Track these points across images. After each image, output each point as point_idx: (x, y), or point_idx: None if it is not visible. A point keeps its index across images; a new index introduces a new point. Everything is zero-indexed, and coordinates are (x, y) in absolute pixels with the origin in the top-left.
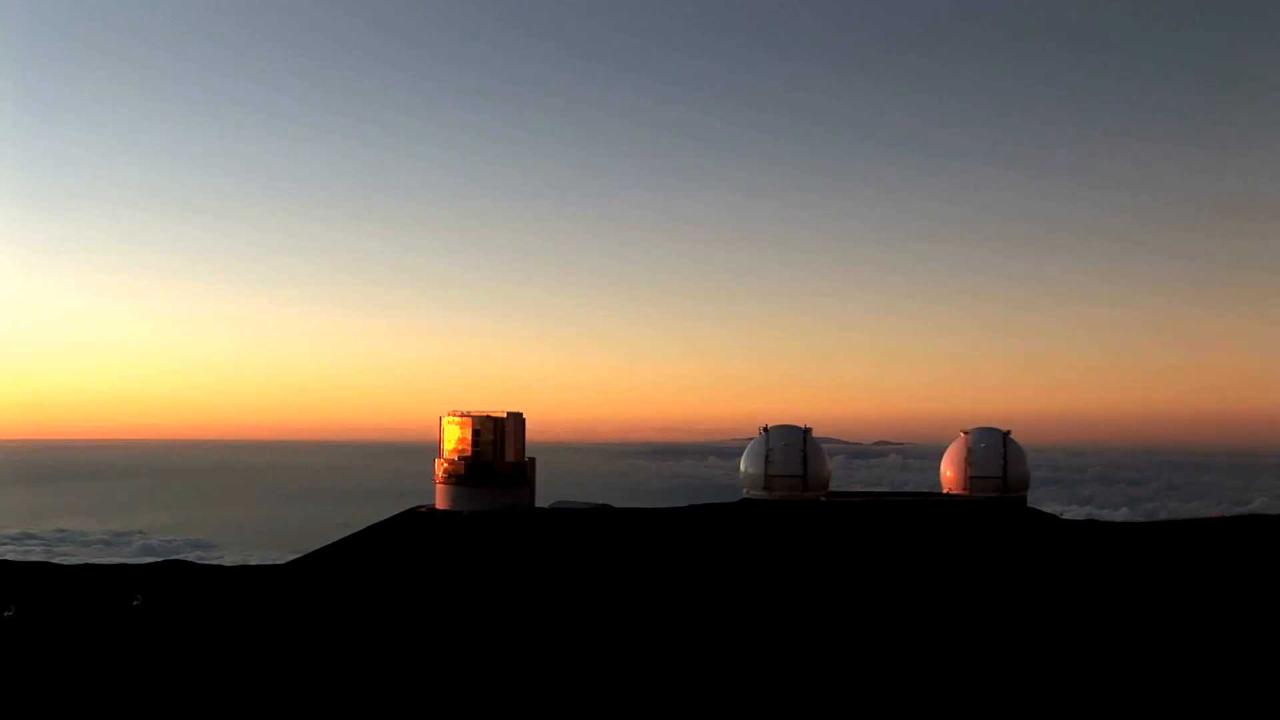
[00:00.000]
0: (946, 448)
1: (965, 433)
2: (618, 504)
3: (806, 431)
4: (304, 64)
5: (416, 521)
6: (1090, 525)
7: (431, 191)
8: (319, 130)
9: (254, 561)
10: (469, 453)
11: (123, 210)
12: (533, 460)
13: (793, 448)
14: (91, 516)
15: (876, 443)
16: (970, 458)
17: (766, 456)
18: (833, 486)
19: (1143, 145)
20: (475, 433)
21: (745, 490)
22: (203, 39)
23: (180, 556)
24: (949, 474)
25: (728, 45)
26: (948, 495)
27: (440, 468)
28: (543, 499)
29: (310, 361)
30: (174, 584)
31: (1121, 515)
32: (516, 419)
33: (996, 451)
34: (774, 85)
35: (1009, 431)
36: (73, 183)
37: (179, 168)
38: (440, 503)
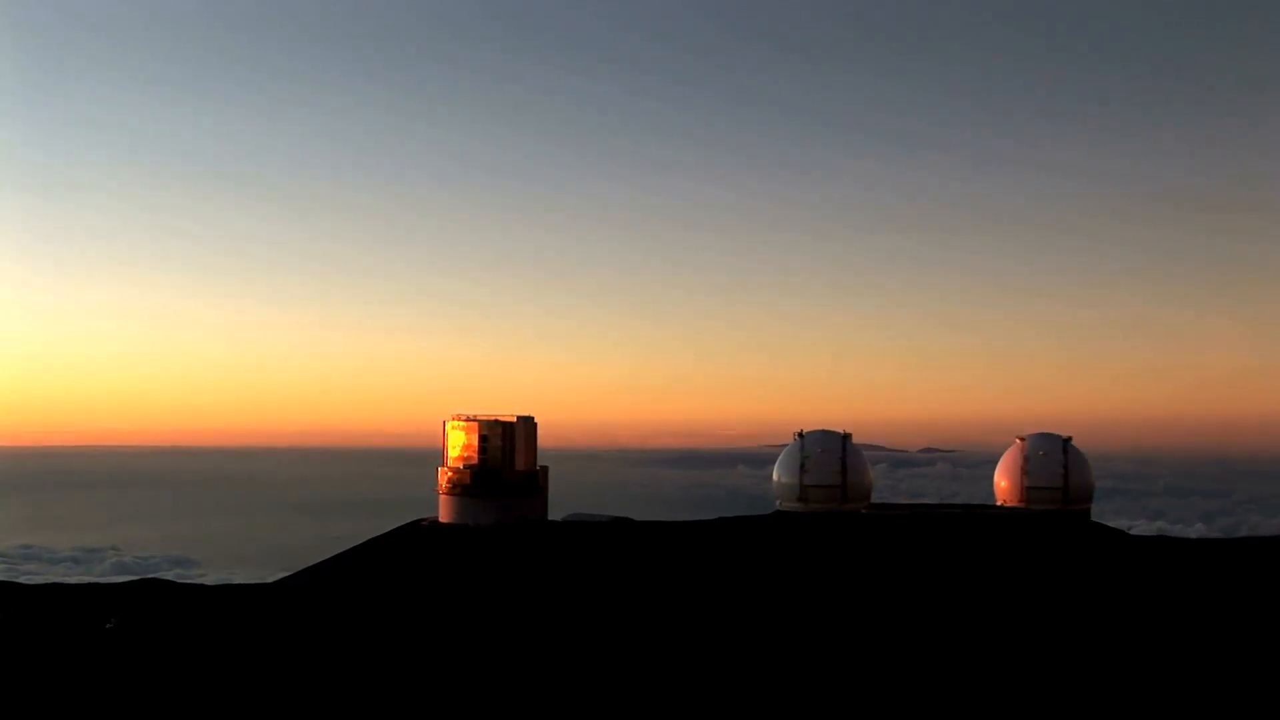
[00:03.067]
0: (1000, 455)
1: (1021, 439)
2: (638, 516)
3: (846, 437)
4: (308, 60)
5: (418, 536)
6: (1161, 542)
7: (431, 180)
8: (317, 125)
9: (239, 580)
10: (475, 460)
11: (104, 206)
12: (545, 469)
13: (831, 455)
14: (60, 530)
15: (923, 450)
16: (1027, 466)
17: (802, 465)
18: (875, 498)
19: (1197, 140)
20: (482, 438)
21: (778, 502)
22: (208, 28)
23: (158, 575)
24: (1004, 484)
25: (761, 45)
26: (1002, 508)
27: (444, 477)
28: (556, 511)
29: (301, 361)
30: (151, 605)
31: (1196, 531)
32: (527, 423)
33: (1056, 459)
34: (786, 81)
35: (1070, 438)
36: (58, 179)
37: (165, 161)
38: (444, 515)
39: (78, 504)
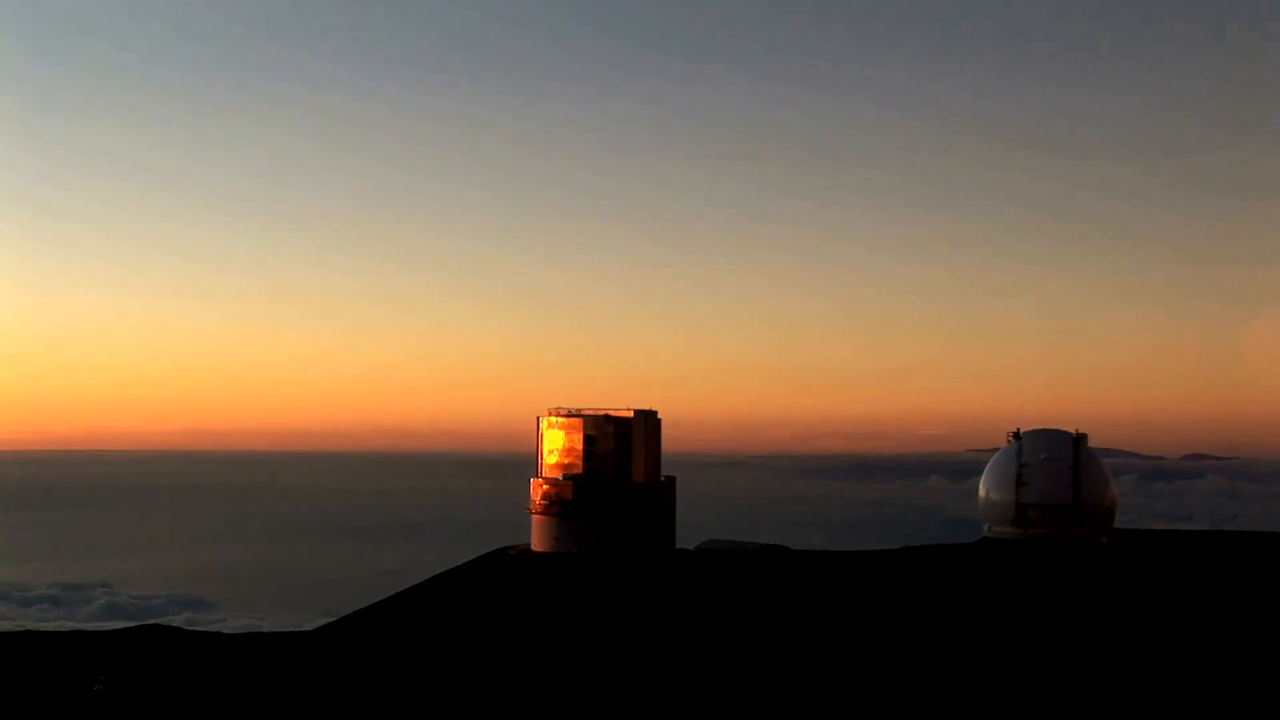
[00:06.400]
0: None
1: None
2: (796, 545)
3: (1079, 439)
4: (382, 42)
5: (505, 568)
6: None
7: (526, 128)
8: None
9: (268, 627)
10: (579, 468)
11: (106, 182)
12: (671, 480)
13: (1058, 463)
14: (34, 561)
15: (1188, 456)
16: None
17: (1019, 476)
18: (1120, 521)
19: None
20: (588, 439)
21: (987, 526)
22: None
23: (162, 620)
24: None
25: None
26: None
27: (537, 490)
28: (686, 537)
29: (344, 344)
30: (153, 660)
31: None
32: (648, 420)
33: None
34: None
35: None
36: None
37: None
38: (538, 541)
39: (58, 525)
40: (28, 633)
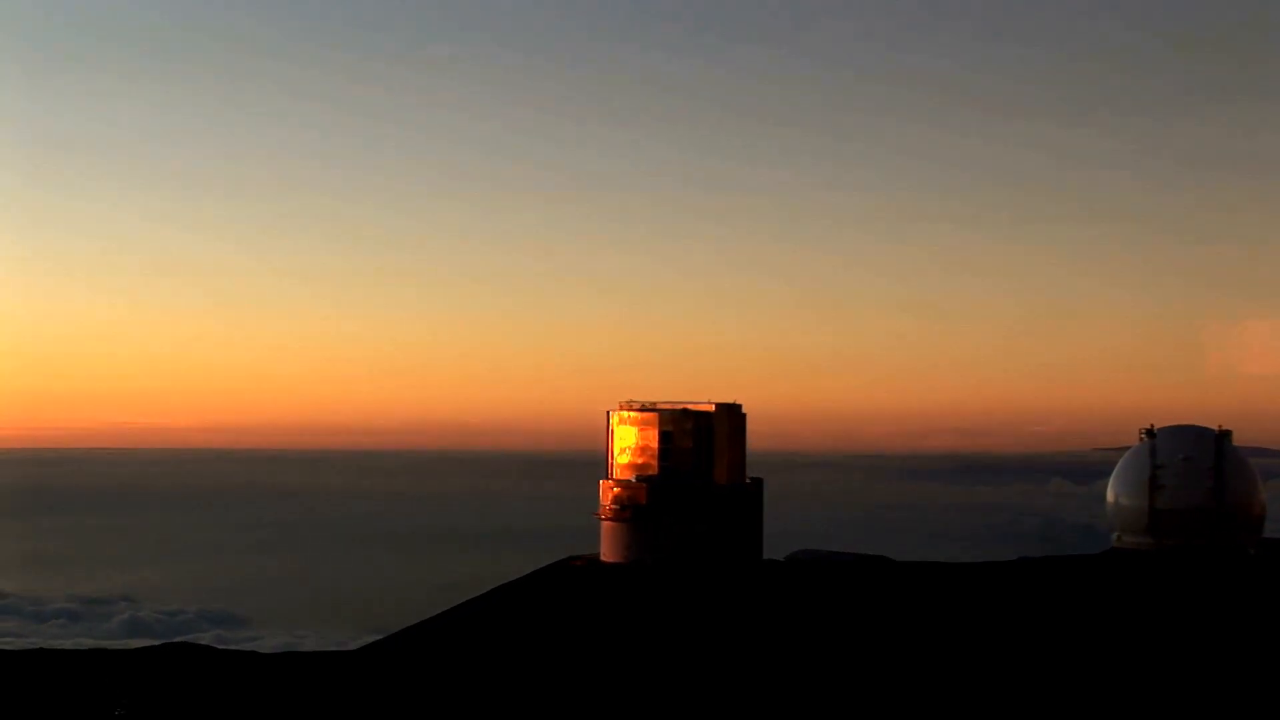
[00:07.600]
0: None
1: None
2: (897, 555)
3: (1222, 436)
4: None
5: (570, 580)
6: None
7: (590, 111)
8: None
9: (308, 646)
10: (654, 468)
11: (119, 166)
12: (758, 481)
13: (1198, 464)
14: (50, 571)
15: None
16: None
17: (1153, 477)
18: (1269, 530)
19: None
20: (664, 435)
21: (1116, 535)
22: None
23: (191, 637)
24: None
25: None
26: None
27: (607, 493)
28: (775, 546)
29: (388, 332)
30: (181, 682)
31: None
32: (731, 415)
33: None
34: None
35: None
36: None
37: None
38: (607, 550)
39: (74, 531)
40: (43, 651)
